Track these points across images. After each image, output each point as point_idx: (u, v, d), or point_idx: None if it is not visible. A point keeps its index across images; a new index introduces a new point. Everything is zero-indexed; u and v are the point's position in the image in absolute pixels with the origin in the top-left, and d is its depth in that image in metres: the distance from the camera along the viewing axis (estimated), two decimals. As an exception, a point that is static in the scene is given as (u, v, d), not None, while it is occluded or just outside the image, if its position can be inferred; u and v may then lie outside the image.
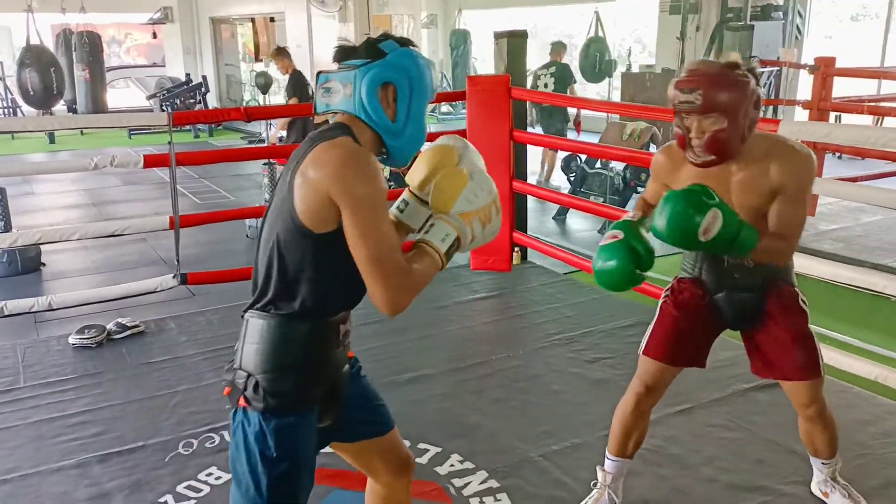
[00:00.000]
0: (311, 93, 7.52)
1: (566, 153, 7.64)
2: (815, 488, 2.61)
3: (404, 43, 1.68)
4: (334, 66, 1.68)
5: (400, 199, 1.82)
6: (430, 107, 1.74)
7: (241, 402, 1.63)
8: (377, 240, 1.55)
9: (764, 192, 2.07)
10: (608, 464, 2.52)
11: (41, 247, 5.73)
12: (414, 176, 1.79)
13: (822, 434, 2.41)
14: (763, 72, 8.55)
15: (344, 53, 1.67)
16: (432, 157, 1.77)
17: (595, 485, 2.56)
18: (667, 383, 2.39)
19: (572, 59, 10.59)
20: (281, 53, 7.53)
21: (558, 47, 8.61)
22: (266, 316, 1.63)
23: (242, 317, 1.69)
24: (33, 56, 9.31)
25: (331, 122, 1.67)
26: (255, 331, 1.64)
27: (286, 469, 1.63)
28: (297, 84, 7.38)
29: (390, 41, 1.67)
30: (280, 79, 11.61)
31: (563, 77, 8.29)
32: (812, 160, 2.07)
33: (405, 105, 1.66)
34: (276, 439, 1.61)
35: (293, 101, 7.29)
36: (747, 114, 1.97)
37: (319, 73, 1.69)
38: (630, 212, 2.38)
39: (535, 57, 10.63)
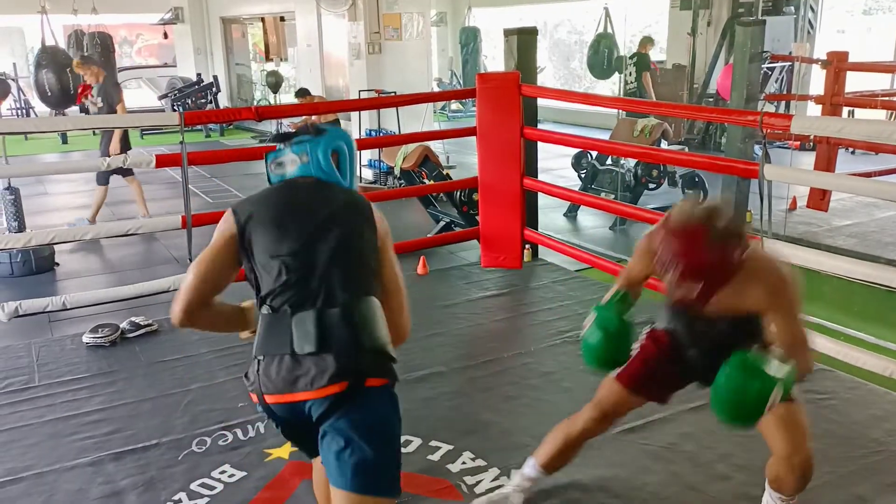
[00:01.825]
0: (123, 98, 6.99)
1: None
2: None
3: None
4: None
5: None
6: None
7: (374, 382, 1.77)
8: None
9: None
10: (528, 469, 2.55)
11: (55, 247, 5.76)
12: None
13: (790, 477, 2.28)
14: (775, 67, 8.51)
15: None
16: None
17: (509, 484, 2.59)
18: (621, 414, 2.43)
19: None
20: (87, 62, 7.13)
21: (645, 41, 10.21)
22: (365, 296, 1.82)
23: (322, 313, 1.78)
24: (49, 57, 9.36)
25: None
26: (368, 309, 1.81)
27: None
28: (112, 89, 7.03)
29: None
30: (262, 78, 11.48)
31: (640, 66, 9.89)
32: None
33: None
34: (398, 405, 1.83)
35: (117, 106, 6.86)
36: (734, 263, 1.97)
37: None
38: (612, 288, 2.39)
39: (546, 54, 10.81)
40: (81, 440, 3.11)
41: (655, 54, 13.37)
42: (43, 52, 9.34)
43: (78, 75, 9.53)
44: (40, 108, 11.88)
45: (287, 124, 11.53)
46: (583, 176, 7.82)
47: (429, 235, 6.18)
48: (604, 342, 2.24)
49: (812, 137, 6.85)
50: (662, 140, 7.37)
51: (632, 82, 10.00)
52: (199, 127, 13.10)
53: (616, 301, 2.28)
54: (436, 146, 7.76)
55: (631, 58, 10.13)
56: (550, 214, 6.92)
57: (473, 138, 5.18)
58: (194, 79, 14.89)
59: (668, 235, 1.96)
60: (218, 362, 3.81)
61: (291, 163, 1.93)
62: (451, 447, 2.98)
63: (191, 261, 4.49)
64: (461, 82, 15.36)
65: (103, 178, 6.87)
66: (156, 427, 3.20)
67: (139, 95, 16.89)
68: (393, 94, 8.93)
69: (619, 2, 11.87)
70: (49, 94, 9.54)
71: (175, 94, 14.13)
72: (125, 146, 6.79)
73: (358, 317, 1.78)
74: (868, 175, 6.30)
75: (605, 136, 7.53)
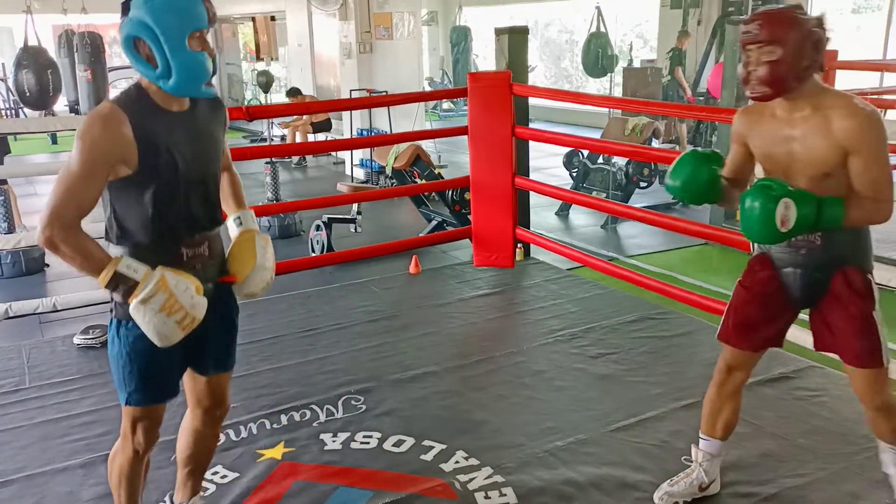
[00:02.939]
0: None
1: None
2: (885, 468, 2.45)
3: None
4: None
5: None
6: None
7: (112, 314, 2.02)
8: (58, 186, 1.81)
9: (827, 147, 2.07)
10: (701, 443, 2.57)
11: (45, 248, 5.73)
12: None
13: (885, 424, 2.30)
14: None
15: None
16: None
17: (687, 460, 2.60)
18: (749, 364, 2.43)
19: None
20: None
21: (681, 35, 10.24)
22: (112, 243, 1.98)
23: None
24: (30, 57, 9.30)
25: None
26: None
27: (130, 363, 2.01)
28: None
29: None
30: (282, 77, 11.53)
31: (675, 61, 10.07)
32: (875, 119, 2.11)
33: (160, 49, 1.79)
34: (125, 337, 1.99)
35: None
36: (803, 51, 2.04)
37: None
38: None
39: (536, 53, 10.82)
40: (73, 442, 3.09)
41: (646, 53, 13.44)
42: (24, 51, 9.29)
43: (59, 75, 9.51)
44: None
45: (278, 124, 11.52)
46: (574, 175, 7.83)
47: (421, 235, 6.18)
48: (693, 161, 2.24)
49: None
50: (653, 139, 7.40)
51: (666, 76, 10.19)
52: (189, 127, 13.00)
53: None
54: (427, 145, 7.75)
55: (667, 53, 10.31)
56: (542, 213, 6.93)
57: (465, 137, 5.18)
58: (185, 78, 14.80)
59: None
60: (210, 363, 3.79)
61: None
62: (444, 446, 2.98)
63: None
64: (452, 81, 15.36)
65: None
66: (147, 428, 3.18)
67: (129, 95, 16.78)
68: (384, 94, 8.93)
69: (609, 1, 11.90)
70: (27, 94, 9.50)
71: (165, 94, 14.03)
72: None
73: None
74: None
75: (597, 134, 7.55)
